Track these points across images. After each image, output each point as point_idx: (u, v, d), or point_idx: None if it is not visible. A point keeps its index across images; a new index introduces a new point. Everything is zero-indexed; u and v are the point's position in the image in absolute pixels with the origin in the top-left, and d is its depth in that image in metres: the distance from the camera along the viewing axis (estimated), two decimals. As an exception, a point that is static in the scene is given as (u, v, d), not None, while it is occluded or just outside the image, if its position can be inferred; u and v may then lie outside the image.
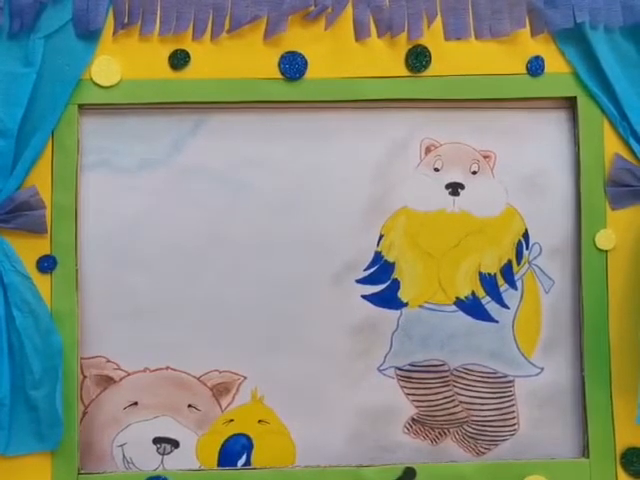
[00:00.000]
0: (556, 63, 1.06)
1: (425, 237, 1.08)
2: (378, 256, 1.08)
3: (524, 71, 1.06)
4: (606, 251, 1.06)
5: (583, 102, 1.07)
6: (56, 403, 1.00)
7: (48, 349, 1.01)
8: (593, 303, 1.07)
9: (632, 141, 1.05)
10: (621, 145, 1.06)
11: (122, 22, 1.03)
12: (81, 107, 1.04)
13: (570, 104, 1.08)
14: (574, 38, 1.06)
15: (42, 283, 1.02)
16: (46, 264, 1.02)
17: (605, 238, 1.06)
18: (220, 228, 1.06)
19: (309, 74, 1.05)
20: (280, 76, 1.05)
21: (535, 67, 1.06)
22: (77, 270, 1.04)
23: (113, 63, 1.03)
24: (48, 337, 1.01)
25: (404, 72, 1.06)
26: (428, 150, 1.08)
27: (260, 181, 1.06)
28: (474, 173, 1.08)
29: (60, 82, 1.02)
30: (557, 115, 1.08)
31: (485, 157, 1.08)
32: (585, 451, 1.07)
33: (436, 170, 1.08)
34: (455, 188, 1.08)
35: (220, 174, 1.06)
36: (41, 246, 1.03)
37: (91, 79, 1.03)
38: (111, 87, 1.03)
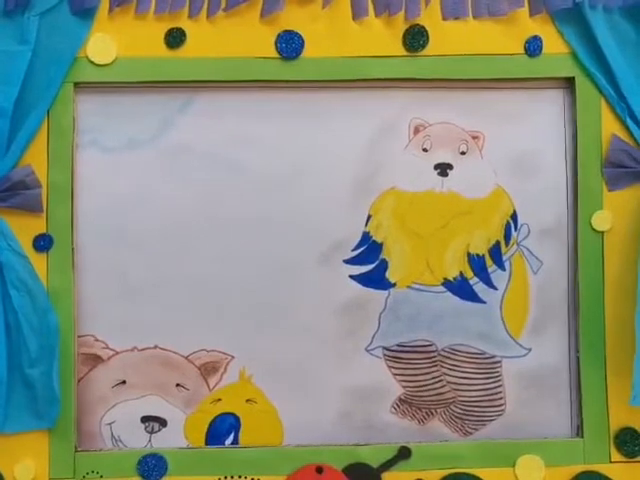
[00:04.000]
0: (554, 43, 1.06)
1: (413, 217, 1.08)
2: (366, 236, 1.07)
3: (522, 51, 1.06)
4: (602, 232, 1.07)
5: (581, 82, 1.06)
6: (53, 381, 1.00)
7: (44, 328, 1.01)
8: (589, 284, 1.07)
9: (630, 122, 1.05)
10: (619, 126, 1.06)
11: (118, 0, 1.02)
12: (77, 85, 1.03)
13: (568, 84, 1.07)
14: (573, 18, 1.05)
15: (38, 262, 1.02)
16: (42, 243, 1.03)
17: (601, 219, 1.06)
18: (209, 207, 1.06)
19: (306, 53, 1.04)
20: (277, 55, 1.04)
21: (533, 47, 1.05)
22: (73, 249, 1.04)
23: (109, 41, 1.03)
24: (44, 316, 1.01)
25: (401, 52, 1.05)
26: (417, 130, 1.08)
27: (250, 160, 1.06)
28: (463, 154, 1.08)
29: (55, 60, 1.02)
30: (555, 95, 1.08)
31: (474, 138, 1.08)
32: (579, 431, 1.08)
33: (425, 150, 1.08)
34: (444, 168, 1.08)
35: (210, 153, 1.06)
36: (37, 225, 1.03)
37: (87, 57, 1.03)
38: (107, 65, 1.03)
